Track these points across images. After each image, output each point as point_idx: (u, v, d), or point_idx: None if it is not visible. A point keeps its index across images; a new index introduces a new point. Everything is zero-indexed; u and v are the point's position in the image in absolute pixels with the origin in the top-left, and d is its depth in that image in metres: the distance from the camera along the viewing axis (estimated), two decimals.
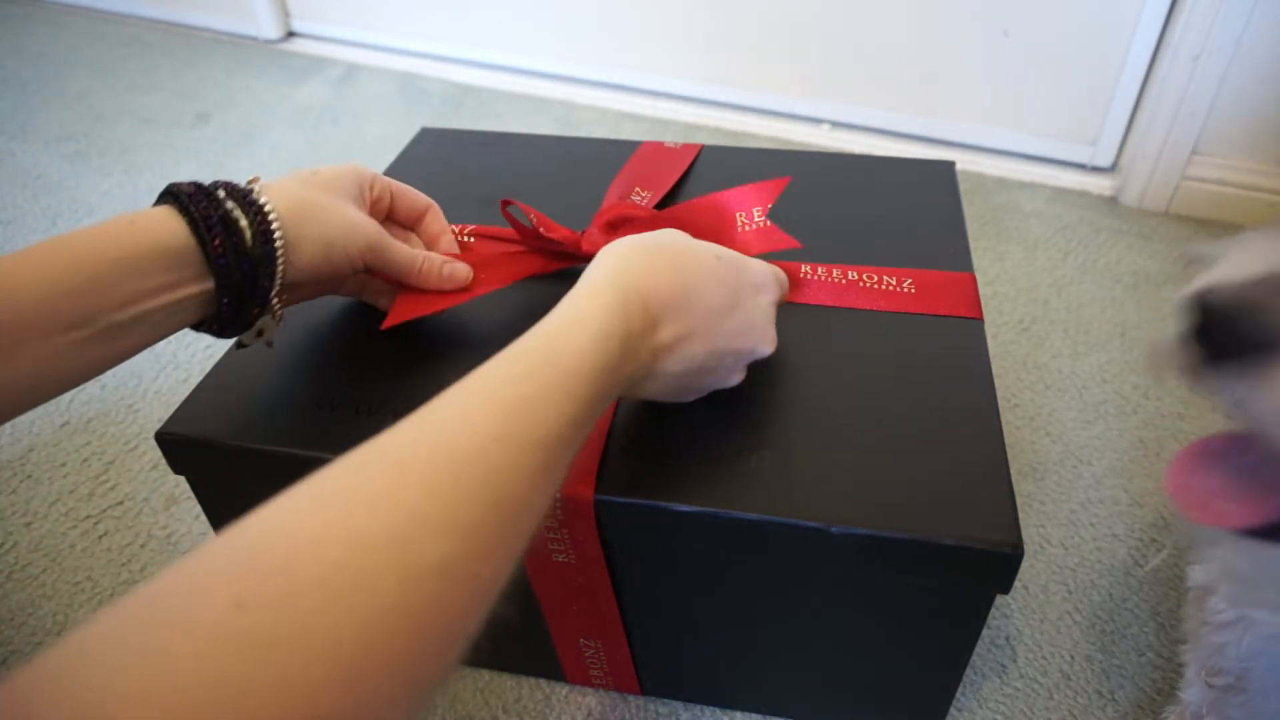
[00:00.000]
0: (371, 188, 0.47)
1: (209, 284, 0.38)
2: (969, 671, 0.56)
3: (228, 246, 0.38)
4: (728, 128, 1.22)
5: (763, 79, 1.22)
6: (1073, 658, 0.56)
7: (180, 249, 0.37)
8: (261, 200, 0.39)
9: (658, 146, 0.67)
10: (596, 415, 0.33)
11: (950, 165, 0.65)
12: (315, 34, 1.50)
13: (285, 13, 1.49)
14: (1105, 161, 1.08)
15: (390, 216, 0.50)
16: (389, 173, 0.67)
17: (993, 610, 0.45)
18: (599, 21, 1.26)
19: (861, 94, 1.17)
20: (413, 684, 0.22)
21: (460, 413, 0.28)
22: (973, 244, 0.57)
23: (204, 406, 0.46)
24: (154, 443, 0.47)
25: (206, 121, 1.26)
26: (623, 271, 0.36)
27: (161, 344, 0.84)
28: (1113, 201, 1.04)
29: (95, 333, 0.35)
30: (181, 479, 0.49)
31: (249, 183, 0.40)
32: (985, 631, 0.58)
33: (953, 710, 0.54)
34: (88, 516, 0.67)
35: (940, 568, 0.39)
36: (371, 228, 0.44)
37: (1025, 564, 0.62)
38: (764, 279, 0.42)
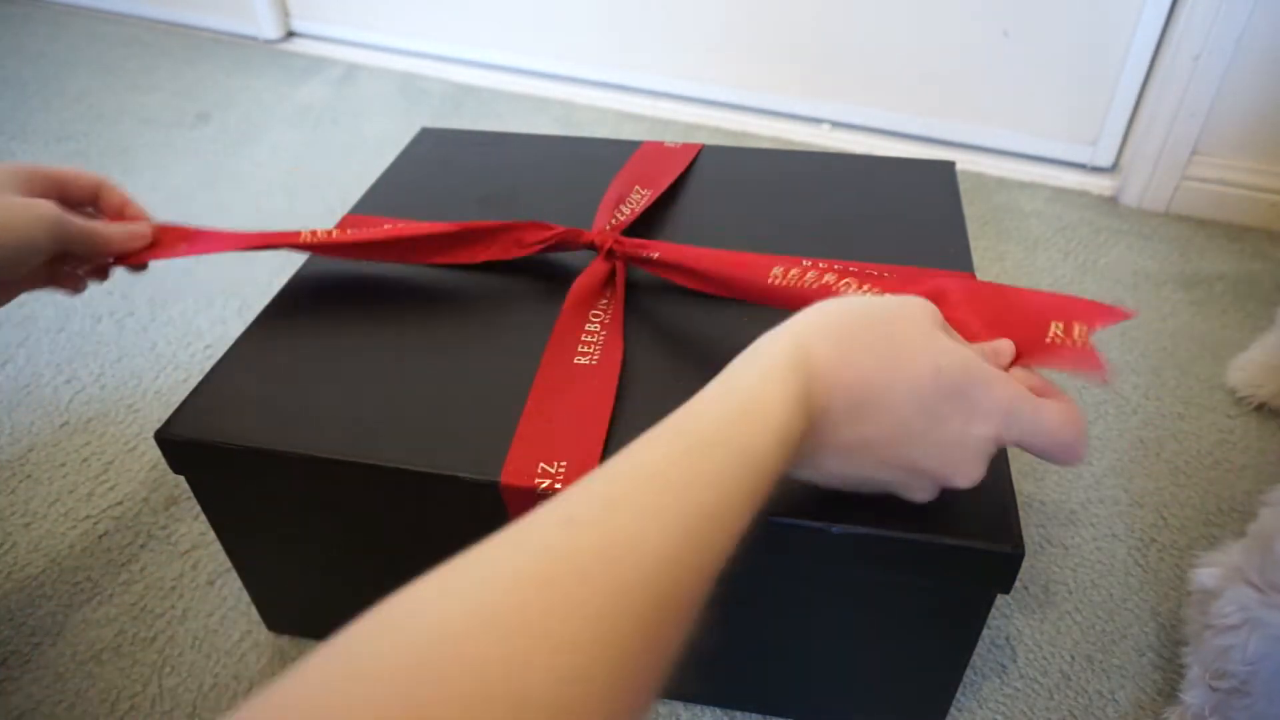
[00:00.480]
0: (30, 181, 0.48)
1: None
2: (969, 671, 0.56)
3: None
4: (728, 128, 1.22)
5: (763, 79, 1.22)
6: (1073, 658, 0.56)
7: None
8: None
9: (658, 146, 0.67)
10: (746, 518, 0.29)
11: (950, 165, 0.65)
12: (315, 34, 1.50)
13: (285, 13, 1.49)
14: (1105, 161, 1.08)
15: (65, 201, 0.50)
16: (389, 173, 0.67)
17: (993, 610, 0.45)
18: (599, 21, 1.27)
19: (861, 94, 1.17)
20: None
21: (642, 515, 0.25)
22: (973, 244, 0.57)
23: (204, 407, 0.46)
24: (154, 443, 0.47)
25: (206, 121, 1.26)
26: (809, 350, 0.31)
27: (162, 344, 0.84)
28: (1113, 201, 1.04)
29: None
30: (181, 479, 0.49)
31: None
32: (985, 631, 0.58)
33: (953, 710, 0.54)
34: (87, 516, 0.67)
35: (940, 568, 0.39)
36: (47, 208, 0.45)
37: (1025, 564, 0.62)
38: (992, 409, 0.33)
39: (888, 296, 0.35)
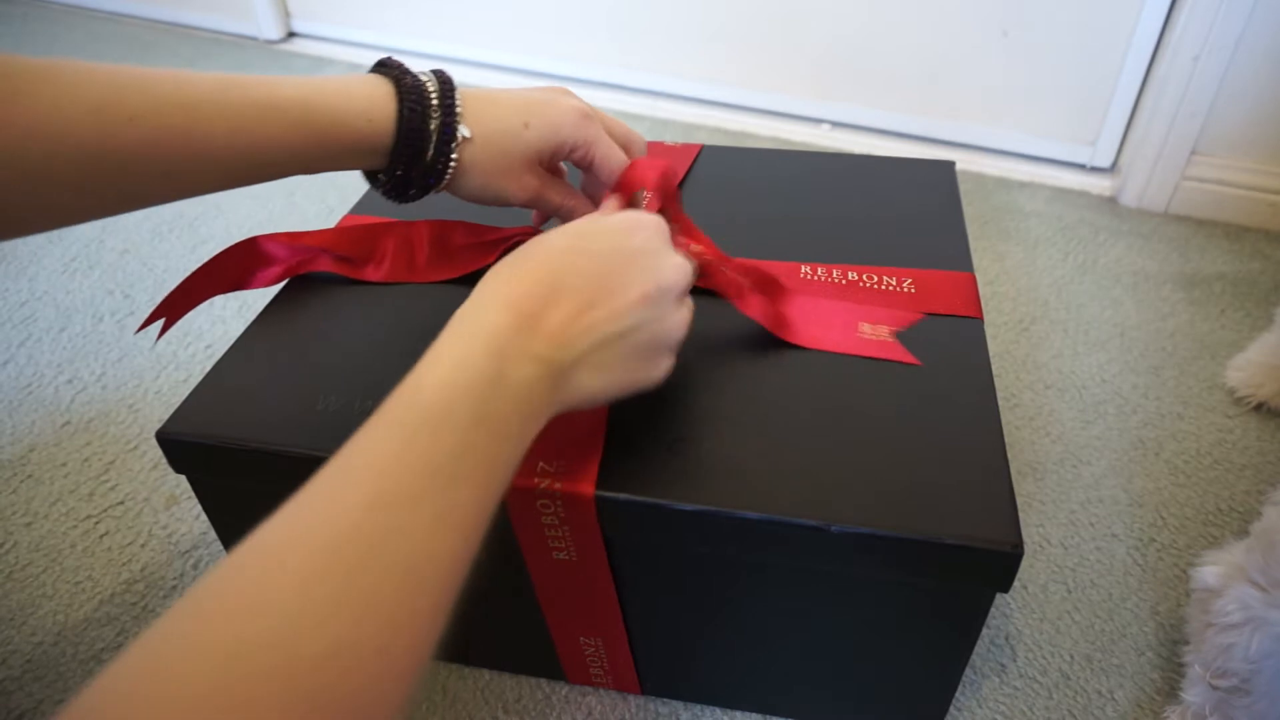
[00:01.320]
0: (567, 153, 0.49)
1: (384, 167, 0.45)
2: (968, 671, 0.56)
3: (412, 169, 0.44)
4: (728, 128, 1.22)
5: (763, 79, 1.22)
6: (1072, 657, 0.57)
7: (382, 150, 0.44)
8: (453, 153, 0.45)
9: (657, 146, 0.67)
10: (507, 440, 0.31)
11: (950, 165, 0.65)
12: (315, 34, 1.50)
13: (285, 13, 1.49)
14: (1105, 161, 1.08)
15: (588, 171, 0.51)
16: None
17: (992, 609, 0.45)
18: (598, 21, 1.27)
19: (861, 94, 1.17)
20: None
21: (328, 491, 0.27)
22: (973, 244, 0.57)
23: (204, 406, 0.46)
24: (154, 442, 0.47)
25: None
26: (477, 294, 0.35)
27: (162, 344, 0.84)
28: (1112, 201, 1.04)
29: (261, 174, 0.42)
30: (182, 478, 0.49)
31: (459, 128, 0.44)
32: (985, 631, 0.58)
33: (952, 709, 0.54)
34: (88, 516, 0.67)
35: (940, 567, 0.39)
36: (525, 196, 0.48)
37: (1025, 563, 0.62)
38: (629, 222, 0.39)
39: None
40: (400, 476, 0.28)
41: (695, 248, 0.48)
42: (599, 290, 0.36)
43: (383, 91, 0.43)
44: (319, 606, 0.24)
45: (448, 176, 0.45)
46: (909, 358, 0.48)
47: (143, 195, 0.40)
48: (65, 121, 0.35)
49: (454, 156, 0.44)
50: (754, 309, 0.48)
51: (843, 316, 0.50)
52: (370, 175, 0.46)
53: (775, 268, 0.52)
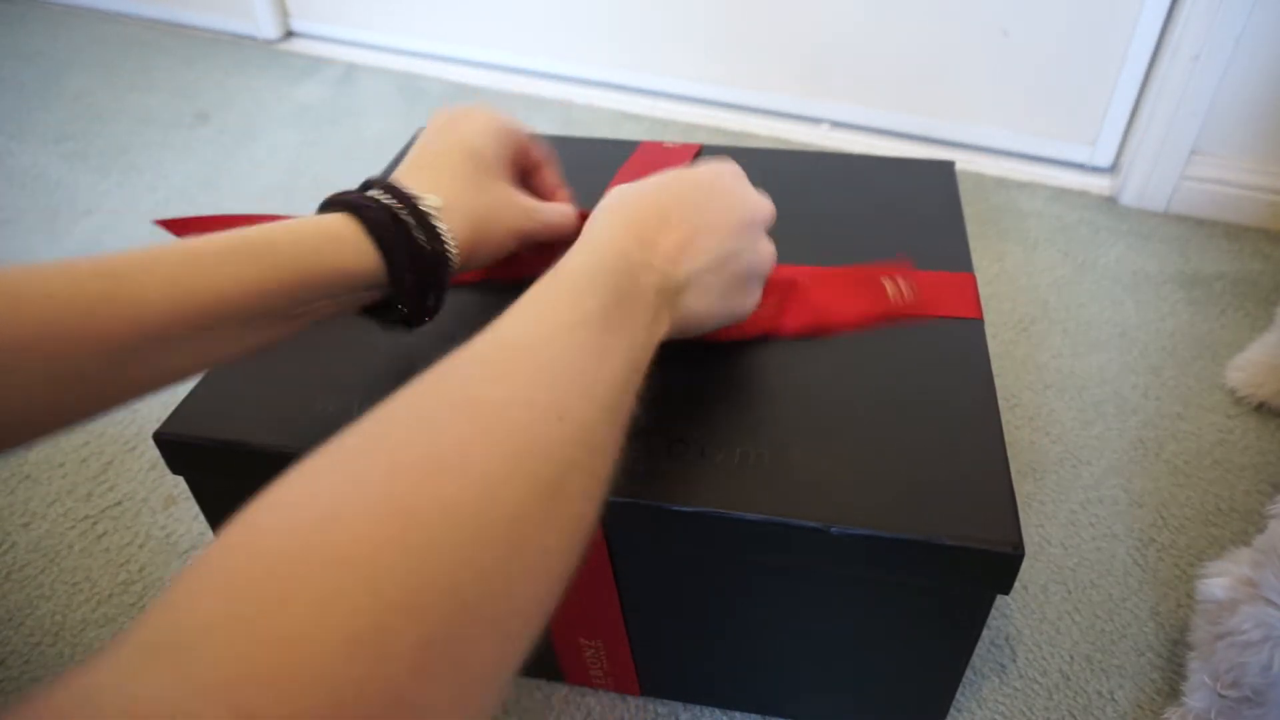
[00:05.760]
0: (515, 154, 0.47)
1: (385, 295, 0.40)
2: (968, 671, 0.56)
3: (412, 281, 0.40)
4: (727, 127, 1.22)
5: (762, 79, 1.22)
6: (1072, 658, 0.56)
7: (372, 273, 0.38)
8: (442, 232, 0.40)
9: (657, 146, 0.67)
10: (640, 329, 0.34)
11: (950, 165, 0.65)
12: (314, 34, 1.49)
13: (284, 12, 1.49)
14: (1104, 161, 1.08)
15: (528, 172, 0.50)
16: (387, 173, 0.67)
17: (992, 610, 0.45)
18: (598, 21, 1.26)
19: (861, 94, 1.17)
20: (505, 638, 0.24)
21: (477, 373, 0.29)
22: (972, 244, 0.57)
23: (203, 407, 0.46)
24: (152, 443, 0.47)
25: (206, 121, 1.26)
26: (596, 223, 0.38)
27: None
28: (1112, 201, 1.04)
29: (272, 330, 0.37)
30: (180, 479, 0.49)
31: (426, 205, 0.40)
32: (985, 631, 0.58)
33: (952, 710, 0.54)
34: (86, 517, 0.67)
35: (940, 568, 0.39)
36: (524, 211, 0.45)
37: (1025, 564, 0.62)
38: (713, 166, 0.43)
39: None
40: (555, 320, 0.31)
41: None
42: (702, 219, 0.39)
43: (337, 218, 0.39)
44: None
45: (451, 251, 0.41)
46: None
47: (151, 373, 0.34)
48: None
49: (445, 238, 0.40)
50: (789, 322, 0.48)
51: (864, 282, 0.50)
52: (381, 311, 0.42)
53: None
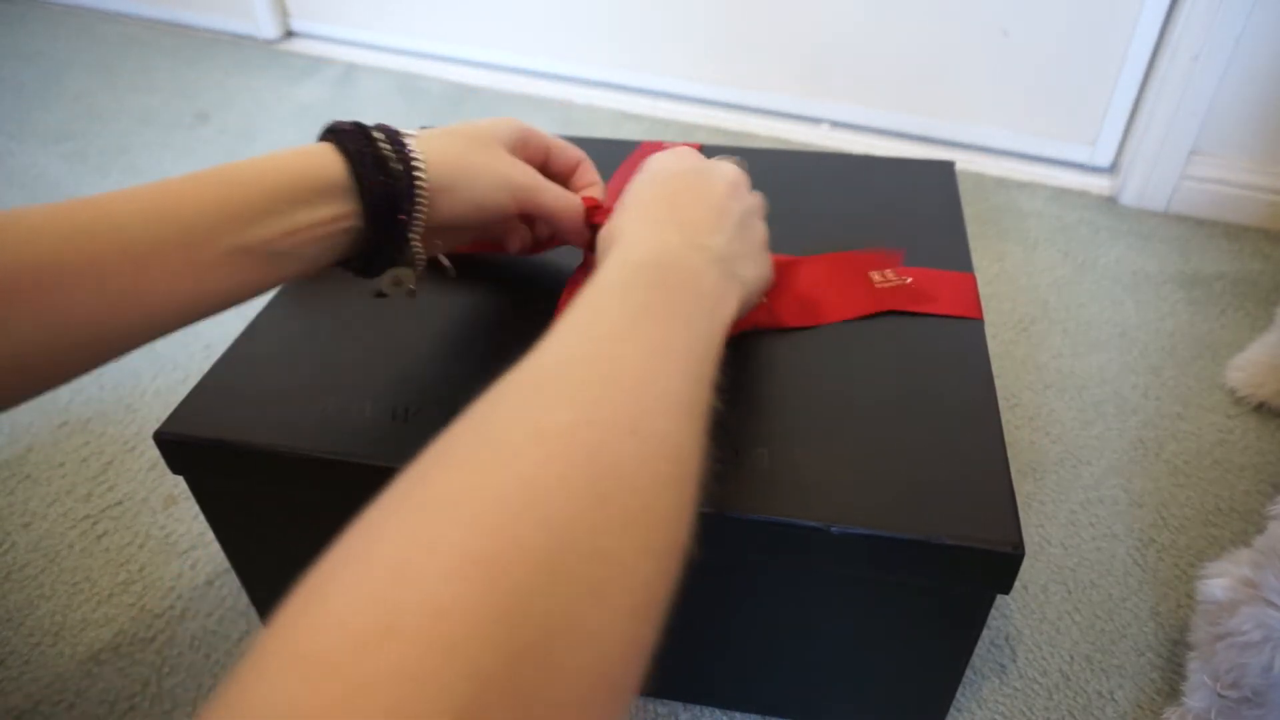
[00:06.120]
0: (526, 144, 0.47)
1: (359, 221, 0.40)
2: (968, 671, 0.56)
3: (379, 185, 0.39)
4: (727, 127, 1.22)
5: (762, 79, 1.22)
6: (1072, 657, 0.56)
7: (338, 183, 0.39)
8: (413, 149, 0.41)
9: (656, 146, 0.67)
10: (695, 311, 0.33)
11: (950, 165, 0.65)
12: (314, 34, 1.49)
13: (284, 12, 1.49)
14: (1104, 161, 1.08)
15: (544, 171, 0.49)
16: None
17: (992, 610, 0.45)
18: (598, 21, 1.26)
19: (861, 94, 1.17)
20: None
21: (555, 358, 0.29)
22: (972, 244, 0.57)
23: (203, 406, 0.46)
24: (153, 442, 0.47)
25: (206, 121, 1.26)
26: (616, 229, 0.37)
27: (161, 344, 0.84)
28: (1112, 201, 1.04)
29: (253, 259, 0.37)
30: (180, 479, 0.49)
31: (406, 135, 0.42)
32: (985, 631, 0.58)
33: (952, 710, 0.54)
34: (86, 516, 0.67)
35: (940, 568, 0.39)
36: (521, 176, 0.45)
37: (1025, 564, 0.62)
38: (677, 151, 0.44)
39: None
40: (607, 327, 0.30)
41: None
42: (701, 195, 0.39)
43: (319, 145, 0.40)
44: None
45: (419, 167, 0.40)
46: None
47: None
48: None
49: (414, 153, 0.41)
50: (781, 311, 0.49)
51: (851, 270, 0.51)
52: (359, 260, 0.42)
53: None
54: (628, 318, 0.30)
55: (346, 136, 0.40)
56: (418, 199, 0.40)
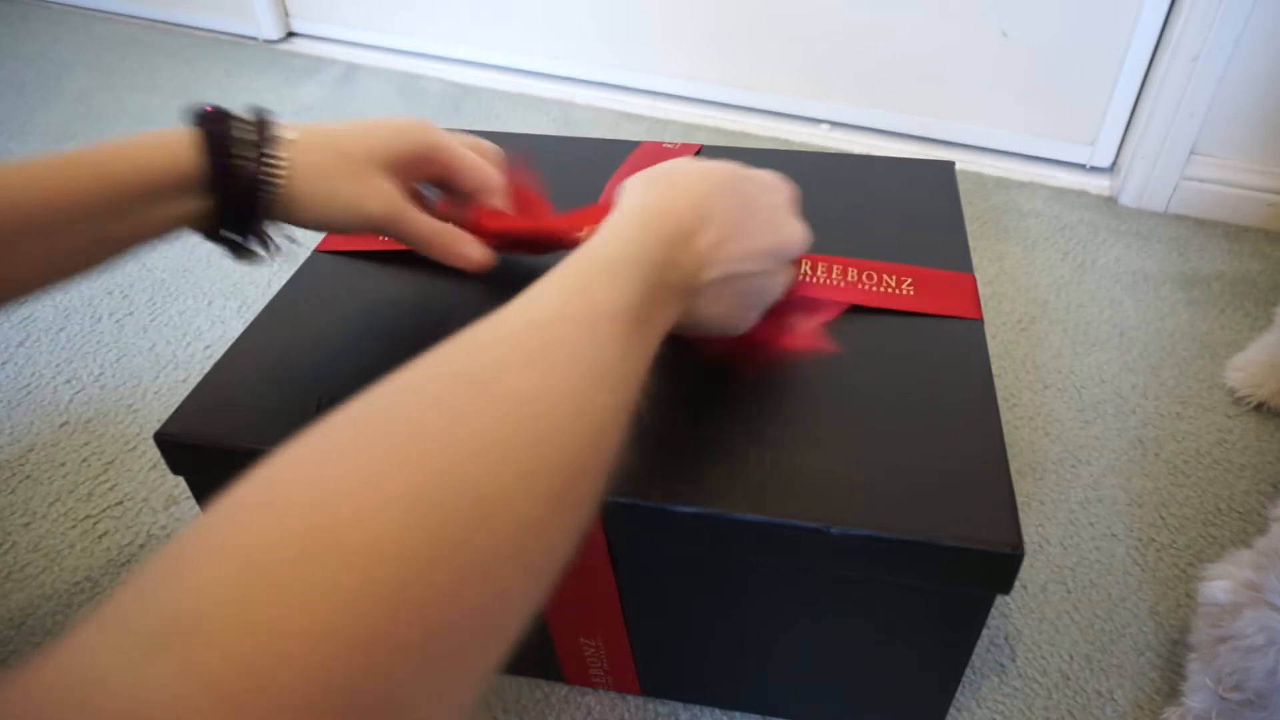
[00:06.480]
0: (422, 162, 0.46)
1: (211, 206, 0.41)
2: (968, 671, 0.56)
3: (230, 188, 0.41)
4: (726, 128, 1.22)
5: (762, 79, 1.22)
6: (1071, 657, 0.56)
7: (193, 180, 0.40)
8: (274, 161, 0.41)
9: (656, 146, 0.67)
10: (659, 317, 0.33)
11: (950, 165, 0.65)
12: (315, 34, 1.50)
13: (285, 13, 1.49)
14: (1104, 161, 1.08)
15: (449, 188, 0.49)
16: None
17: (992, 610, 0.45)
18: (598, 22, 1.27)
19: (860, 94, 1.17)
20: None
21: (501, 315, 0.29)
22: (972, 244, 0.57)
23: (203, 407, 0.46)
24: (154, 442, 0.47)
25: None
26: (639, 198, 0.37)
27: (162, 344, 0.84)
28: (1111, 201, 1.04)
29: (112, 244, 0.40)
30: (181, 479, 0.49)
31: (280, 137, 0.41)
32: (984, 631, 0.58)
33: (952, 710, 0.54)
34: (87, 516, 0.67)
35: (940, 568, 0.39)
36: (378, 207, 0.44)
37: (1024, 563, 0.62)
38: (770, 180, 0.42)
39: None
40: (588, 296, 0.30)
41: None
42: (738, 229, 0.38)
43: (179, 132, 0.41)
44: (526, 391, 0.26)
45: (278, 178, 0.41)
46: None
47: None
48: None
49: (279, 157, 0.41)
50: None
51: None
52: (202, 227, 0.43)
53: None
54: (610, 307, 0.31)
55: (212, 130, 0.40)
56: (265, 205, 0.42)
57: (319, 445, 0.24)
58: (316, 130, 0.43)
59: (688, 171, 0.39)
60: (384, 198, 0.44)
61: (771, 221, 0.40)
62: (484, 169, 0.48)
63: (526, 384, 0.26)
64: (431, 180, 0.48)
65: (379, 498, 0.21)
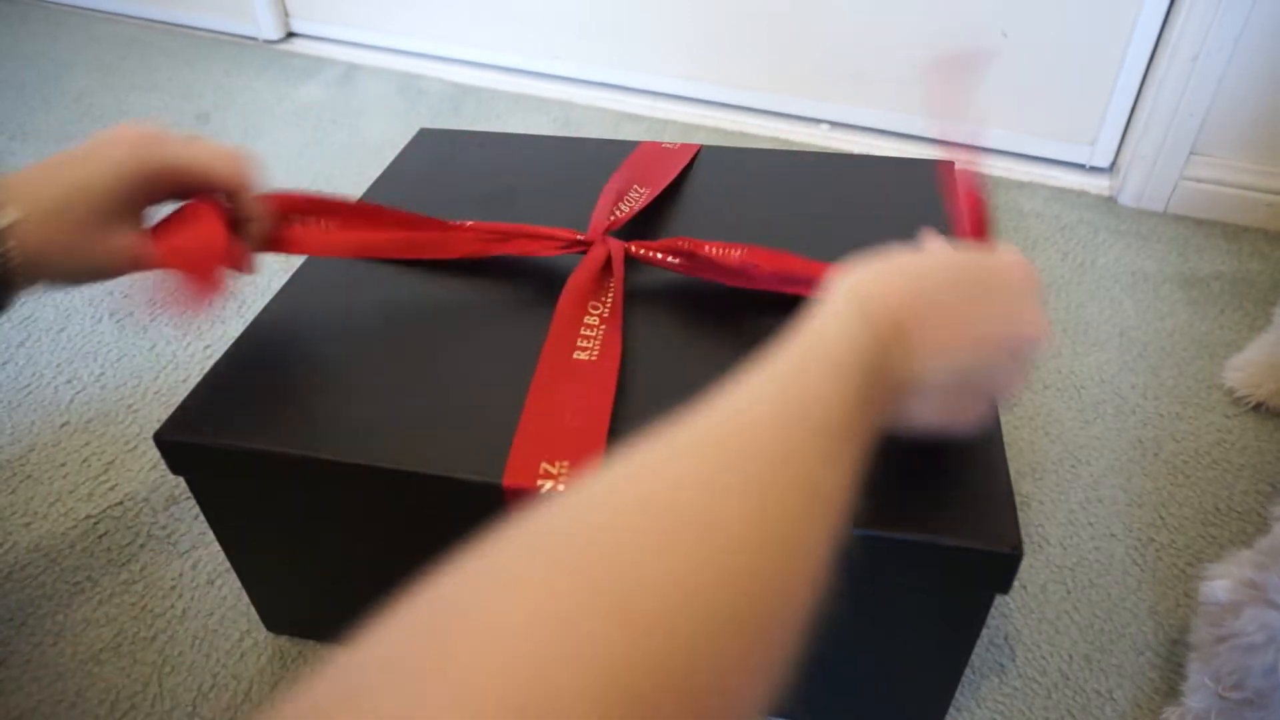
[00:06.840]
0: (154, 187, 0.44)
1: None
2: (967, 671, 0.56)
3: None
4: (726, 128, 1.22)
5: (761, 79, 1.22)
6: (1071, 657, 0.57)
7: None
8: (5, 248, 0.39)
9: (655, 146, 0.67)
10: (871, 425, 0.31)
11: (950, 165, 0.65)
12: (315, 34, 1.50)
13: (285, 13, 1.49)
14: (1104, 161, 1.08)
15: (186, 196, 0.46)
16: (388, 173, 0.67)
17: (991, 610, 0.45)
18: (597, 22, 1.27)
19: (860, 94, 1.17)
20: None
21: (724, 412, 0.28)
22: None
23: (203, 407, 0.46)
24: (153, 443, 0.47)
25: (206, 121, 1.26)
26: (855, 284, 0.34)
27: (162, 344, 0.84)
28: (1111, 201, 1.04)
29: None
30: (181, 479, 0.49)
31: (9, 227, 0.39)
32: (984, 631, 0.58)
33: (952, 710, 0.54)
34: (87, 516, 0.67)
35: (940, 568, 0.39)
36: (125, 260, 0.43)
37: (1024, 563, 0.62)
38: (1006, 264, 0.37)
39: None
40: (802, 402, 0.28)
41: None
42: (970, 325, 0.35)
43: None
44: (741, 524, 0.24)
45: (10, 264, 0.39)
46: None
47: None
48: None
49: (5, 246, 0.39)
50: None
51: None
52: None
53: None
54: (820, 422, 0.28)
55: None
56: (6, 287, 0.40)
57: (518, 557, 0.22)
58: (38, 195, 0.41)
59: (903, 263, 0.35)
60: (123, 253, 0.43)
61: (1010, 310, 0.36)
62: (225, 157, 0.45)
63: (728, 512, 0.25)
64: (179, 195, 0.46)
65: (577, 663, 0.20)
